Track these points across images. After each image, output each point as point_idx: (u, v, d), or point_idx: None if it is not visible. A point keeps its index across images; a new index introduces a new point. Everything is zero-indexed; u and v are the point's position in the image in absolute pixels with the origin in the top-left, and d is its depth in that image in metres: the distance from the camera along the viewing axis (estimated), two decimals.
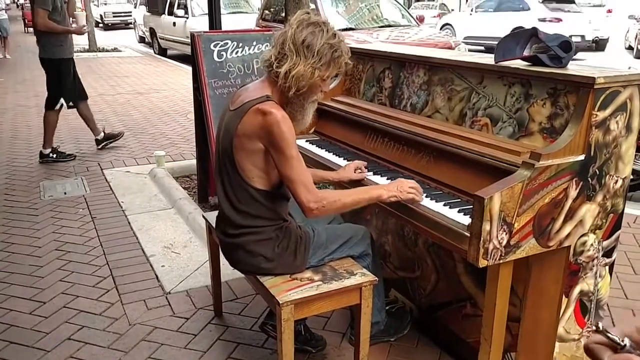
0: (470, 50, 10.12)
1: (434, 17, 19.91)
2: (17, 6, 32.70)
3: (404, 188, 1.92)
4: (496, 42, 2.06)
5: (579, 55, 11.27)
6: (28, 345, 2.45)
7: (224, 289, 2.76)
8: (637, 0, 16.10)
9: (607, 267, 1.94)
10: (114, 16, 22.89)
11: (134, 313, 2.70)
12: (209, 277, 2.72)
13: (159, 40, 14.18)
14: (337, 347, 2.43)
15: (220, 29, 4.25)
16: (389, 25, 9.09)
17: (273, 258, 1.99)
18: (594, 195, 1.78)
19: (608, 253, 1.92)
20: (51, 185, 4.54)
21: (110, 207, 4.09)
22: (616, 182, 1.81)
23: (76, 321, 2.63)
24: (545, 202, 1.67)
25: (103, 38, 17.27)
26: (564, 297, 1.88)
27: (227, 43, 3.70)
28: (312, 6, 7.69)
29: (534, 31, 1.93)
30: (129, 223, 3.78)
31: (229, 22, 7.48)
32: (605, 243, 1.89)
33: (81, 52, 14.45)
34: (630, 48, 14.54)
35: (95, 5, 22.72)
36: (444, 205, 1.85)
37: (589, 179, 1.74)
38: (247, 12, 12.57)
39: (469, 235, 1.65)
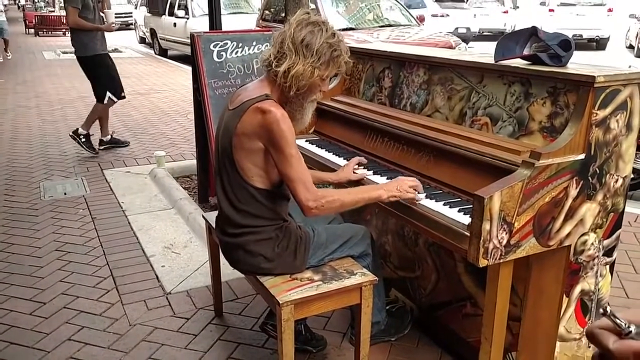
0: None
1: (434, 16, 20.05)
2: (18, 7, 32.74)
3: (404, 187, 1.91)
4: None
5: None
6: (28, 345, 2.45)
7: (225, 289, 2.75)
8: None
9: (607, 266, 1.94)
10: (114, 17, 22.85)
11: (134, 313, 2.70)
12: (209, 277, 2.72)
13: (160, 40, 14.17)
14: (337, 347, 2.43)
15: (221, 29, 4.25)
16: (390, 25, 9.07)
17: (273, 258, 1.99)
18: (595, 194, 1.77)
19: (609, 252, 1.91)
20: (51, 186, 4.54)
21: (110, 207, 4.09)
22: (616, 181, 1.81)
23: (76, 322, 2.63)
24: (546, 201, 1.66)
25: None
26: (564, 296, 1.87)
27: (226, 43, 3.70)
28: (312, 6, 7.70)
29: (534, 30, 1.92)
30: (129, 223, 3.78)
31: (229, 22, 7.48)
32: (605, 242, 1.88)
33: None
34: (630, 47, 14.54)
35: None
36: (444, 204, 1.84)
37: (589, 178, 1.74)
38: (247, 13, 12.55)
39: (469, 234, 1.64)
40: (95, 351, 2.42)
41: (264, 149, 1.89)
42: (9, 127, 6.55)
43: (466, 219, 1.71)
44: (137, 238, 3.55)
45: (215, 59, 3.67)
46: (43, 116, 7.17)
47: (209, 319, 2.64)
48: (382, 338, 2.39)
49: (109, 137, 5.63)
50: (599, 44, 14.83)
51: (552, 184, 1.66)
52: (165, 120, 6.92)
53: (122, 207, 4.07)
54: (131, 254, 3.33)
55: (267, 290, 1.95)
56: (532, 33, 1.93)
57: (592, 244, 1.84)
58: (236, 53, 3.73)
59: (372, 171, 2.24)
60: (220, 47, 3.68)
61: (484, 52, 2.39)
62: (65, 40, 18.68)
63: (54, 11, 24.12)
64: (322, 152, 2.52)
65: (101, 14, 5.42)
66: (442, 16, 15.97)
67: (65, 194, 4.37)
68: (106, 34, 5.40)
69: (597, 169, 1.75)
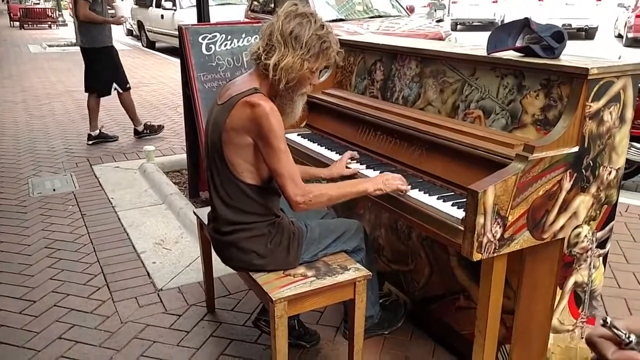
0: None
1: (424, 6, 19.91)
2: (2, 0, 32.26)
3: (390, 181, 1.92)
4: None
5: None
6: (18, 345, 2.42)
7: (217, 285, 2.73)
8: None
9: (601, 258, 1.94)
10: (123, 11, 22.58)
11: (126, 311, 2.67)
12: (201, 273, 2.69)
13: (147, 33, 14.03)
14: (331, 342, 2.42)
15: (209, 21, 4.20)
16: (379, 16, 9.04)
17: (266, 254, 1.97)
18: (588, 186, 1.77)
19: (602, 244, 1.91)
20: (40, 182, 4.48)
21: (100, 203, 4.05)
22: (610, 173, 1.80)
23: (67, 320, 2.60)
24: (539, 194, 1.66)
25: None
26: (558, 288, 1.87)
27: (215, 36, 3.65)
28: None
29: (526, 22, 1.91)
30: (119, 219, 3.74)
31: (217, 14, 7.39)
32: (599, 234, 1.88)
33: (68, 46, 14.29)
34: (619, 36, 14.62)
35: None
36: (438, 198, 1.83)
37: (583, 170, 1.73)
38: (235, 4, 12.45)
39: (462, 229, 1.63)
40: (87, 349, 2.39)
41: (254, 144, 1.87)
42: None
43: (460, 213, 1.70)
44: (127, 234, 3.51)
45: (204, 51, 3.62)
46: (30, 111, 7.08)
47: (201, 316, 2.62)
48: (375, 332, 2.39)
49: (98, 131, 5.58)
50: (587, 33, 14.90)
51: (545, 177, 1.65)
52: (155, 113, 6.85)
53: (111, 203, 4.03)
54: (122, 250, 3.30)
55: (260, 287, 1.93)
56: (525, 24, 1.92)
57: (586, 236, 1.84)
58: (225, 46, 3.69)
59: (364, 165, 2.22)
60: (209, 39, 3.63)
61: (476, 45, 2.37)
62: (51, 33, 18.46)
63: (38, 3, 23.80)
64: (314, 146, 2.50)
65: (107, 7, 5.46)
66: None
67: (54, 190, 4.32)
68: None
69: (590, 162, 1.74)
